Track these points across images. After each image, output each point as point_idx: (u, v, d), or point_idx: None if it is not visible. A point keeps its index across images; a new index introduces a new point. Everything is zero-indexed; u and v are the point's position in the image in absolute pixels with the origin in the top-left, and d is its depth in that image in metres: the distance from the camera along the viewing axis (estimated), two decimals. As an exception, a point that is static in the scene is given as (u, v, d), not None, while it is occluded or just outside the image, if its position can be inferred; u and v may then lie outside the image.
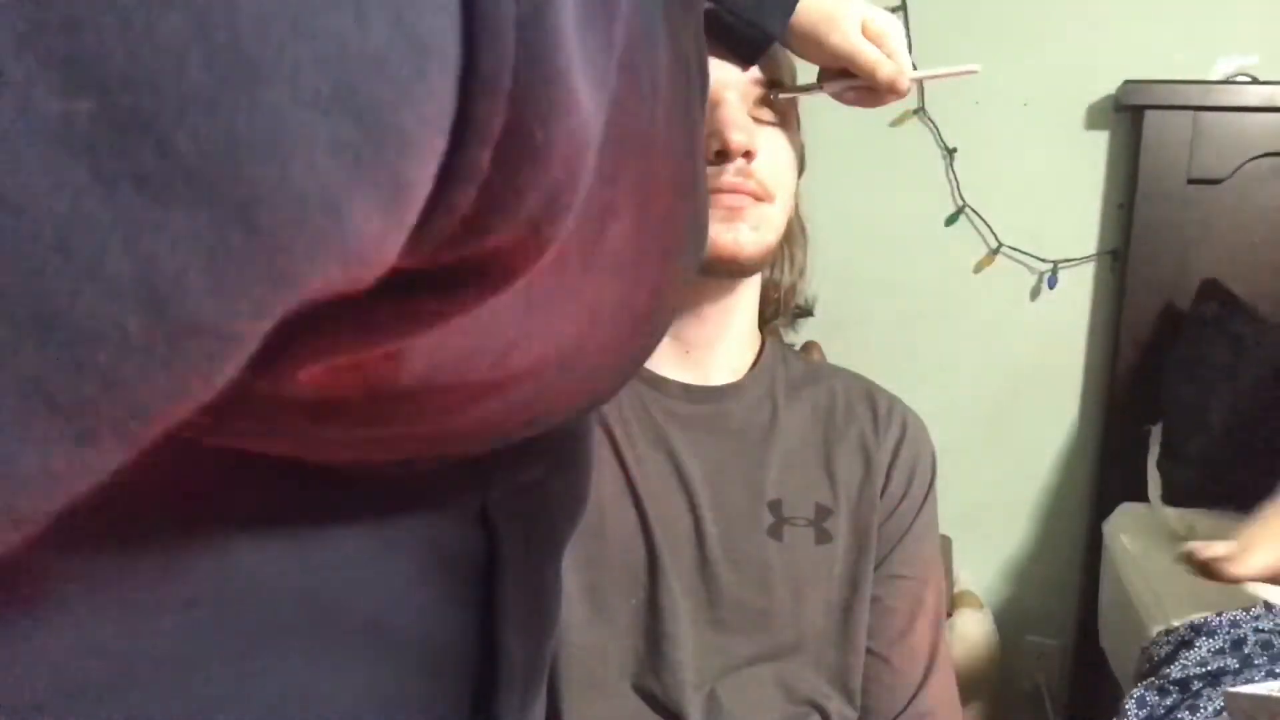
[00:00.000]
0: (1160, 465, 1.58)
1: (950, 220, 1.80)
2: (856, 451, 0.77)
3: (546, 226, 0.19)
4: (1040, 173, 1.75)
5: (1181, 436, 1.54)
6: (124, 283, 0.13)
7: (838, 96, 0.71)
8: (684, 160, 0.29)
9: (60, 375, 0.13)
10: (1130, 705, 1.03)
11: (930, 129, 1.78)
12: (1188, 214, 1.66)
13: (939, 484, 0.80)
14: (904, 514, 0.77)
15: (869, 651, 0.75)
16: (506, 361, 0.23)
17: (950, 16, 1.72)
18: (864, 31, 0.67)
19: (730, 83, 0.68)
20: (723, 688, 0.69)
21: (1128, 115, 1.69)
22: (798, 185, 0.76)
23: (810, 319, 0.88)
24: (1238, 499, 1.27)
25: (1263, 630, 1.04)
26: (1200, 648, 1.05)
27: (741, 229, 0.68)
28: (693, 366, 0.76)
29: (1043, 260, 1.77)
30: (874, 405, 0.79)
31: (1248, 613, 1.07)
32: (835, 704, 0.72)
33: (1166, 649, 1.09)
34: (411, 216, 0.17)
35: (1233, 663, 1.02)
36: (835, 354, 1.57)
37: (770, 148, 0.70)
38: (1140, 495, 1.62)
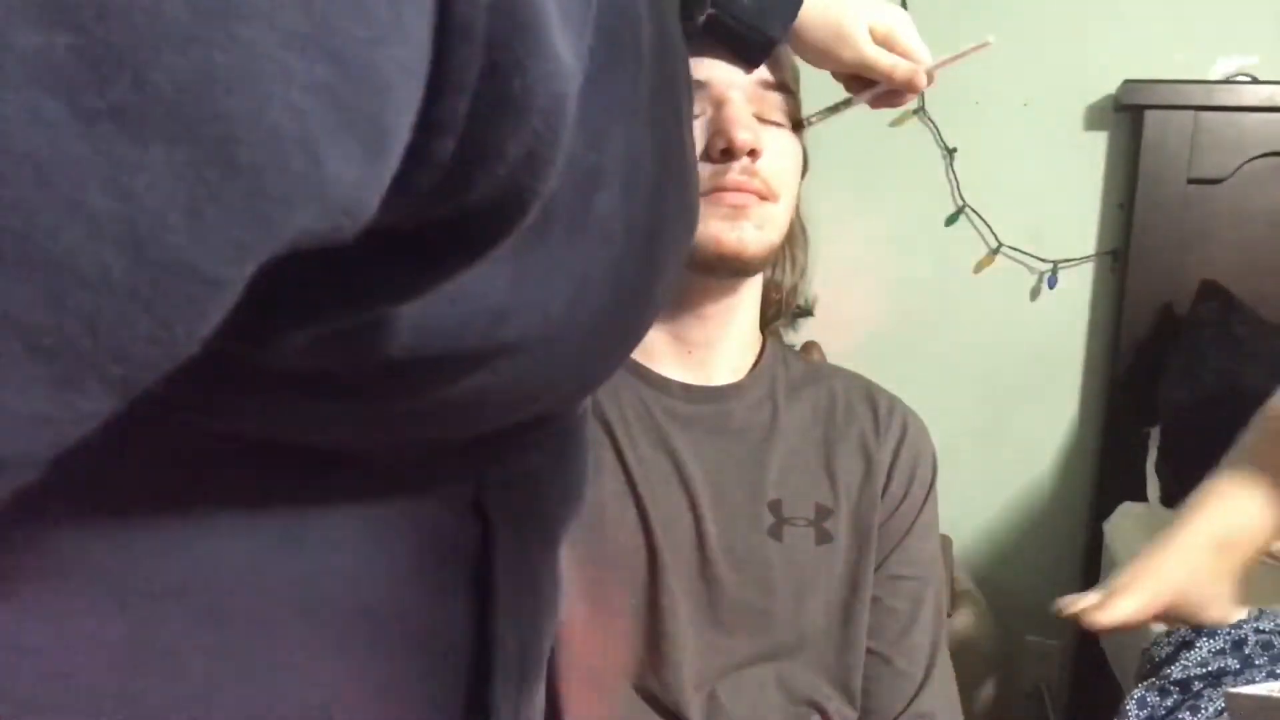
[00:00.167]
0: (1159, 468, 1.58)
1: (950, 220, 1.80)
2: (857, 452, 0.76)
3: (527, 181, 0.19)
4: (1040, 173, 1.75)
5: (1180, 439, 1.53)
6: (104, 221, 0.13)
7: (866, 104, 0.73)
8: (671, 134, 0.29)
9: (41, 315, 0.13)
10: (1131, 706, 1.03)
11: (930, 129, 1.78)
12: (1187, 214, 1.66)
13: (939, 484, 0.80)
14: (905, 514, 0.77)
15: (869, 651, 0.75)
16: (495, 332, 0.23)
17: (950, 16, 1.72)
18: (871, 35, 0.67)
19: (735, 82, 0.68)
20: (723, 688, 0.69)
21: (1128, 115, 1.69)
22: (800, 186, 0.76)
23: (810, 319, 0.88)
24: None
25: (1263, 631, 1.04)
26: (1201, 648, 1.05)
27: (746, 228, 0.68)
28: (694, 367, 0.76)
29: (1042, 260, 1.77)
30: (874, 405, 0.79)
31: (1249, 614, 1.07)
32: (835, 704, 0.72)
33: (1167, 649, 1.09)
34: (390, 165, 0.17)
35: (1233, 663, 1.02)
36: (835, 354, 1.56)
37: (775, 147, 0.70)
38: (1140, 495, 1.62)
